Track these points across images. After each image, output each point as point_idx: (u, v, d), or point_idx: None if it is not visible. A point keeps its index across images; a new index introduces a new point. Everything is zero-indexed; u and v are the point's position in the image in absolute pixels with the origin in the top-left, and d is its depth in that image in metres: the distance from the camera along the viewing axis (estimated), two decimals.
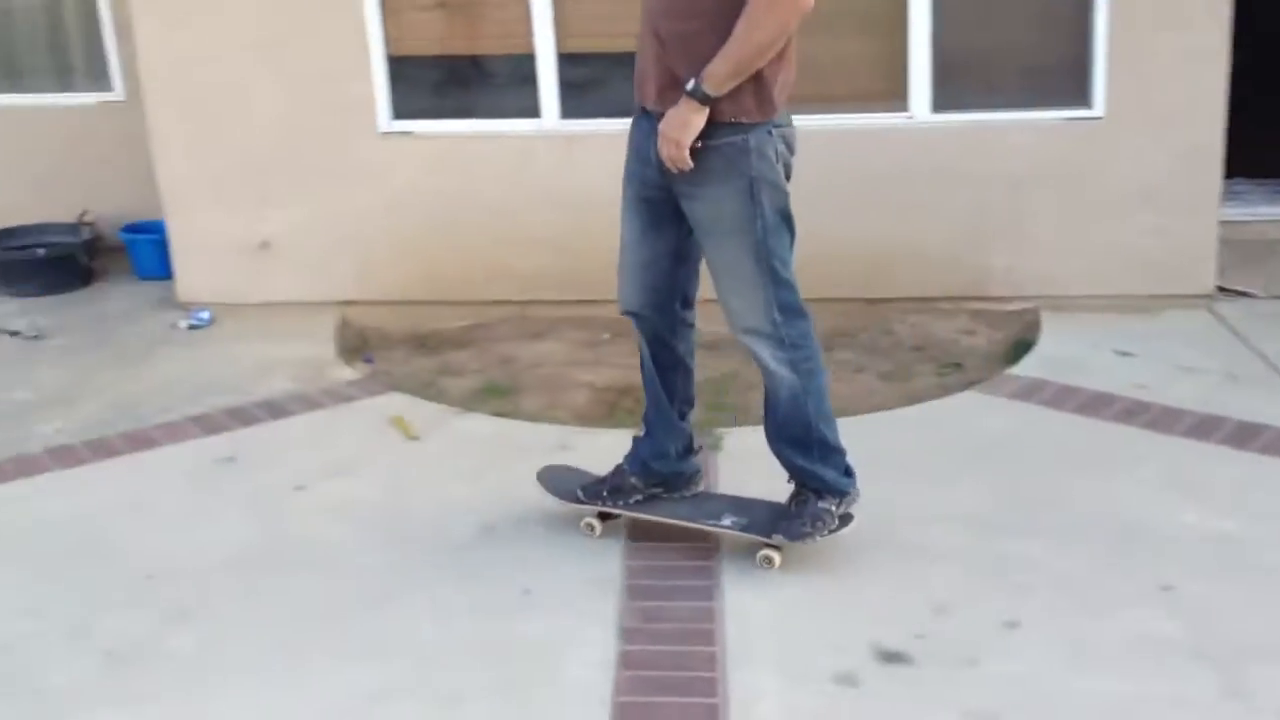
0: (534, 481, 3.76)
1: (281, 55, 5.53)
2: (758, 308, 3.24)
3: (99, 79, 6.59)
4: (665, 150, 3.12)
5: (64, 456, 4.27)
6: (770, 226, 3.17)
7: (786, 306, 3.24)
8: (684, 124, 3.07)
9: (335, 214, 5.67)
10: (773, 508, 3.48)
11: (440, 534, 3.70)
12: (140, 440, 4.38)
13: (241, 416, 4.55)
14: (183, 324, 5.51)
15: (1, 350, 5.31)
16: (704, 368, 4.87)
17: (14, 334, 5.45)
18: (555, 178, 5.58)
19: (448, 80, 5.88)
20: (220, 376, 4.93)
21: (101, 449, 4.32)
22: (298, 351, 5.16)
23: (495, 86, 5.85)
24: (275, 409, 4.62)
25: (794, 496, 3.43)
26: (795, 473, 3.42)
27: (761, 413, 3.44)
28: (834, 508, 3.38)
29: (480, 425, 4.50)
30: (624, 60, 5.83)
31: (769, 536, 3.40)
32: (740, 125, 3.10)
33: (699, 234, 3.27)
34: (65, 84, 6.68)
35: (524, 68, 5.57)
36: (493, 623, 3.23)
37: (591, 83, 5.61)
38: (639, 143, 3.33)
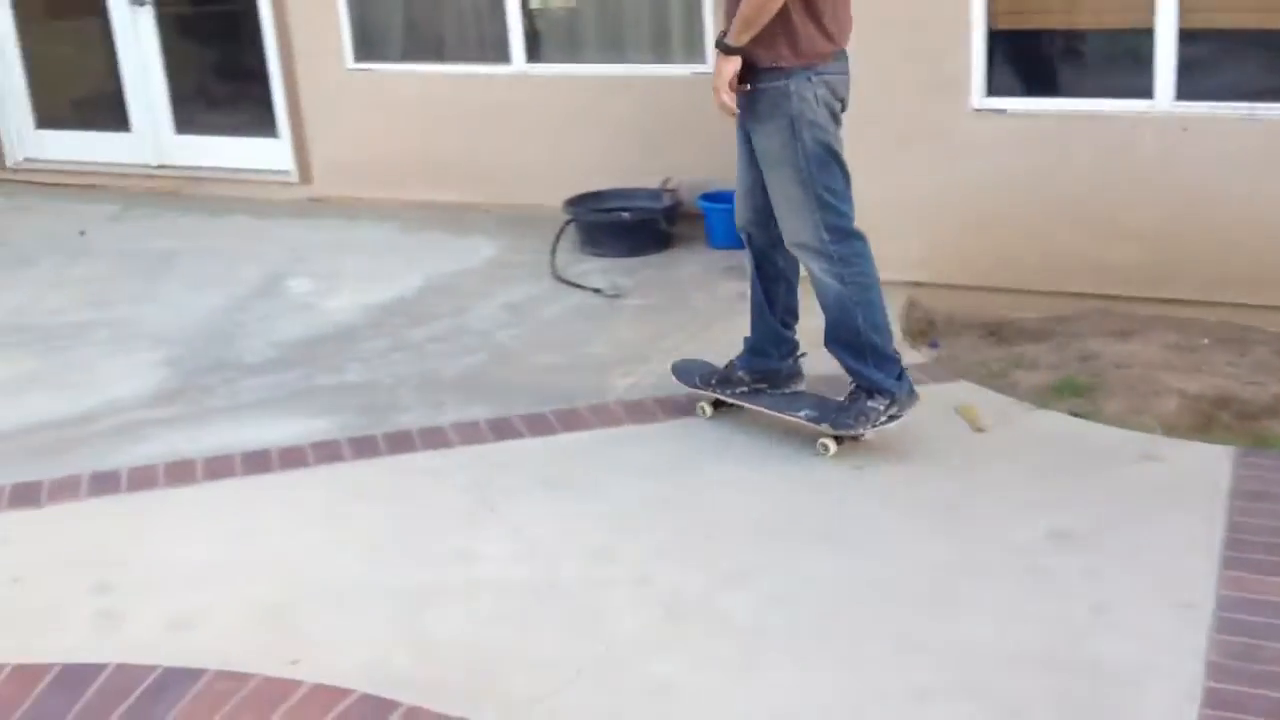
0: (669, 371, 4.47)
1: (877, 29, 5.42)
2: (807, 227, 3.85)
3: (693, 51, 6.79)
4: (714, 98, 3.78)
5: (636, 411, 4.44)
6: (813, 158, 3.78)
7: (834, 228, 3.85)
8: (718, 72, 3.76)
9: (914, 192, 5.53)
10: (839, 404, 4.02)
11: (1004, 533, 3.50)
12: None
13: None
14: (748, 293, 5.59)
15: (586, 306, 5.59)
16: None
17: (597, 291, 5.75)
18: (1161, 164, 5.12)
19: (1050, 56, 5.58)
20: None
21: (670, 407, 4.44)
22: None
23: (1102, 64, 5.49)
24: (834, 384, 4.58)
25: (849, 394, 4.00)
26: (849, 372, 4.00)
27: None
28: (882, 406, 3.92)
29: (1054, 423, 4.22)
30: (1250, 39, 5.39)
31: (821, 426, 3.96)
32: (780, 70, 3.72)
33: (760, 164, 3.90)
34: (662, 55, 6.94)
35: (1138, 44, 5.16)
36: (1060, 635, 3.01)
37: (1212, 62, 5.11)
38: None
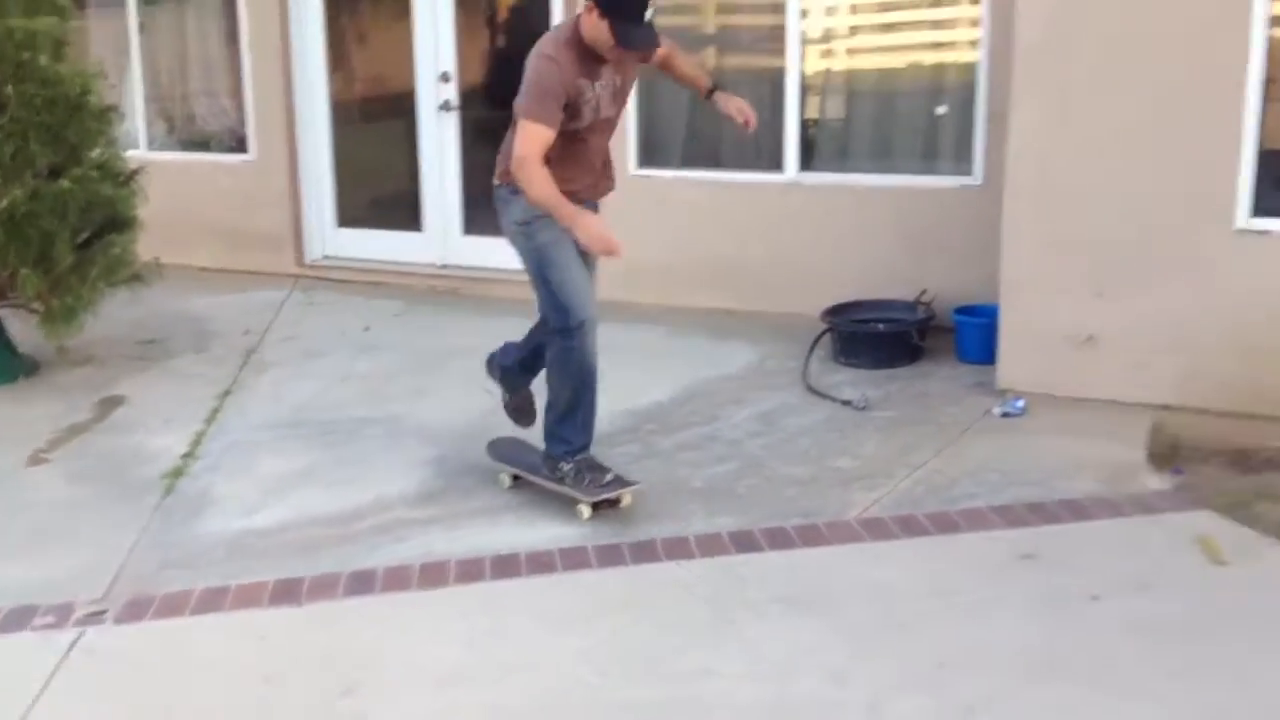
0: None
1: (1147, 147, 5.43)
2: None
3: (961, 162, 6.85)
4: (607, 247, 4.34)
5: (874, 528, 4.49)
6: None
7: None
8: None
9: (1168, 312, 5.46)
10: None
11: (1245, 679, 3.43)
12: (945, 523, 4.50)
13: (1043, 513, 4.53)
14: (996, 411, 5.58)
15: (836, 418, 5.67)
16: None
17: (846, 403, 5.82)
18: None
19: None
20: (1026, 469, 4.94)
21: (909, 526, 4.48)
22: (1106, 452, 5.05)
23: None
24: (1077, 509, 4.55)
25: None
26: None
27: None
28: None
29: None
30: None
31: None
32: None
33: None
34: (930, 167, 7.01)
35: None
36: None
37: None
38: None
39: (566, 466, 4.74)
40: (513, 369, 5.09)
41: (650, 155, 7.68)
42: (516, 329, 7.26)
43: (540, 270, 4.60)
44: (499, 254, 8.11)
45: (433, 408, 5.98)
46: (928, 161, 7.04)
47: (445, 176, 8.27)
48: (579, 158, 4.55)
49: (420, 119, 8.25)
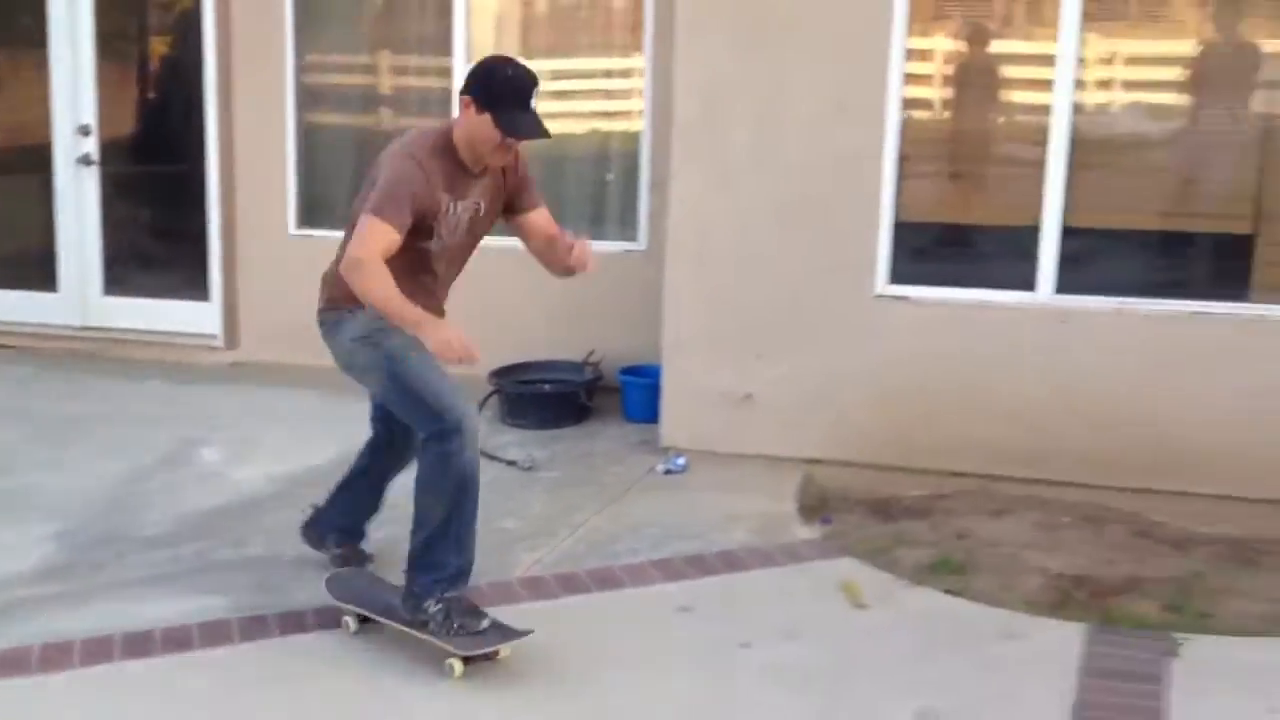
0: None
1: (797, 218, 5.68)
2: None
3: (626, 228, 6.98)
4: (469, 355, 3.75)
5: (536, 587, 4.45)
6: None
7: None
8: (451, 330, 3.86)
9: (816, 372, 5.70)
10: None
11: (876, 714, 3.56)
12: (606, 579, 4.51)
13: (701, 565, 4.61)
14: (660, 468, 5.66)
15: (501, 479, 5.58)
16: (1166, 566, 4.57)
17: (511, 464, 5.77)
18: (1042, 352, 5.45)
19: (948, 248, 5.92)
20: (686, 523, 5.00)
21: (571, 584, 4.47)
22: (760, 505, 5.19)
23: (995, 257, 5.80)
24: (732, 561, 4.65)
25: None
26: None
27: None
28: None
29: (928, 601, 4.37)
30: (1127, 237, 5.67)
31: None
32: None
33: None
34: (597, 232, 7.05)
35: (1025, 240, 5.51)
36: None
37: (1090, 258, 5.48)
38: None
39: (433, 608, 3.90)
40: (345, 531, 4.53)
41: (311, 215, 7.47)
42: (160, 392, 6.97)
43: (397, 380, 3.98)
44: (143, 314, 7.75)
45: (61, 478, 5.53)
46: (596, 226, 7.11)
47: (85, 233, 7.77)
48: (420, 283, 4.06)
49: (57, 173, 7.75)
